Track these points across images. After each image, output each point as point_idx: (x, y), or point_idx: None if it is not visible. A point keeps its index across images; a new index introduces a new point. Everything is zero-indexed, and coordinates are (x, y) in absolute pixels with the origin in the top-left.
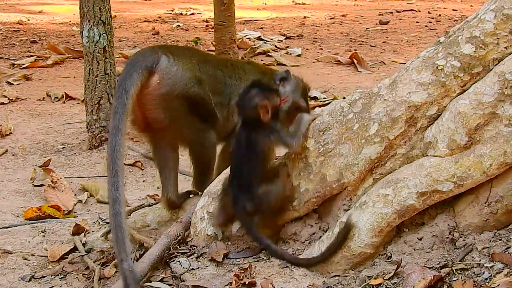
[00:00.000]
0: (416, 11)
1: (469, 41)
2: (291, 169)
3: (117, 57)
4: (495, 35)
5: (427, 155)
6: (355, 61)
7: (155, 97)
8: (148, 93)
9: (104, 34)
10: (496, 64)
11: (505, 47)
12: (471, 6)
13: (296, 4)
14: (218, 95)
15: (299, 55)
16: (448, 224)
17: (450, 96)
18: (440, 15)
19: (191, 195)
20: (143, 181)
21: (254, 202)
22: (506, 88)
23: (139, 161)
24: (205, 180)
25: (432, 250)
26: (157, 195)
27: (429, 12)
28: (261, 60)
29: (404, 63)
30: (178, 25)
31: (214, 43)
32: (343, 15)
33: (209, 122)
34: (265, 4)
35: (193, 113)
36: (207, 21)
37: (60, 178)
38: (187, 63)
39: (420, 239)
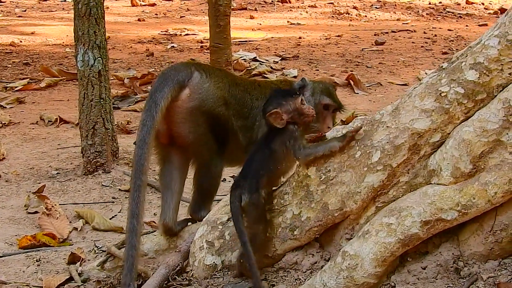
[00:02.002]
0: (412, 31)
1: (473, 67)
2: (292, 197)
3: (111, 79)
4: (499, 61)
5: (430, 183)
6: (352, 83)
7: (183, 111)
8: (177, 106)
9: (99, 58)
10: (501, 91)
11: (510, 74)
12: (467, 26)
13: (291, 24)
14: (243, 119)
15: (295, 77)
16: (453, 253)
17: (454, 123)
18: (435, 35)
19: (189, 223)
20: None
21: (250, 198)
22: (510, 115)
23: None
24: (201, 207)
25: (437, 279)
26: (154, 222)
27: (424, 32)
28: None
29: (401, 85)
30: (173, 46)
31: (210, 65)
32: (338, 36)
33: (223, 148)
34: (260, 24)
35: (213, 133)
36: (201, 42)
37: (55, 205)
38: (219, 82)
39: (424, 269)
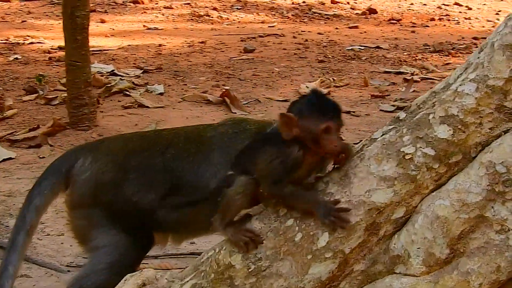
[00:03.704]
0: (280, 35)
1: (445, 121)
2: None
3: None
4: (477, 112)
5: (395, 273)
6: (228, 100)
7: (68, 208)
8: (65, 203)
9: None
10: (480, 151)
11: (490, 128)
12: (336, 28)
13: (148, 29)
14: (154, 190)
15: (161, 93)
16: None
17: (422, 193)
18: (306, 40)
19: None
20: None
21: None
22: (497, 183)
23: None
24: (88, 283)
25: None
26: None
27: (294, 37)
28: (119, 101)
29: (281, 101)
30: (16, 58)
31: (66, 86)
32: (202, 42)
33: (139, 236)
34: (113, 29)
35: (115, 226)
36: (49, 52)
37: None
38: (107, 163)
39: None
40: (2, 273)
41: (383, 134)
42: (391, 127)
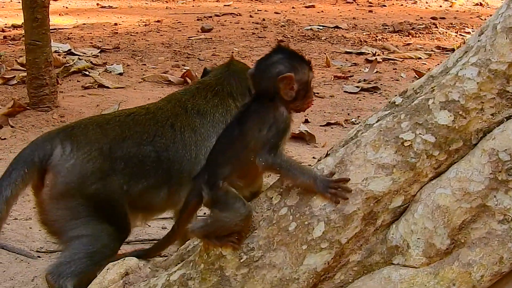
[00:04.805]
0: (237, 15)
1: (445, 106)
2: (199, 284)
3: None
4: (479, 98)
5: (392, 264)
6: (189, 81)
7: (48, 199)
8: (44, 194)
9: None
10: (481, 137)
11: (492, 114)
12: (293, 8)
13: (102, 7)
14: (145, 179)
15: (121, 74)
16: None
17: (421, 182)
18: (264, 20)
19: None
20: None
21: (209, 194)
22: (500, 172)
23: None
24: (65, 273)
25: None
26: None
27: (251, 16)
28: (78, 81)
29: None
30: None
31: (25, 66)
32: (158, 21)
33: (120, 226)
34: (67, 8)
35: (98, 216)
36: (3, 30)
37: None
38: (91, 151)
39: None
40: None
41: (378, 120)
42: (386, 112)
